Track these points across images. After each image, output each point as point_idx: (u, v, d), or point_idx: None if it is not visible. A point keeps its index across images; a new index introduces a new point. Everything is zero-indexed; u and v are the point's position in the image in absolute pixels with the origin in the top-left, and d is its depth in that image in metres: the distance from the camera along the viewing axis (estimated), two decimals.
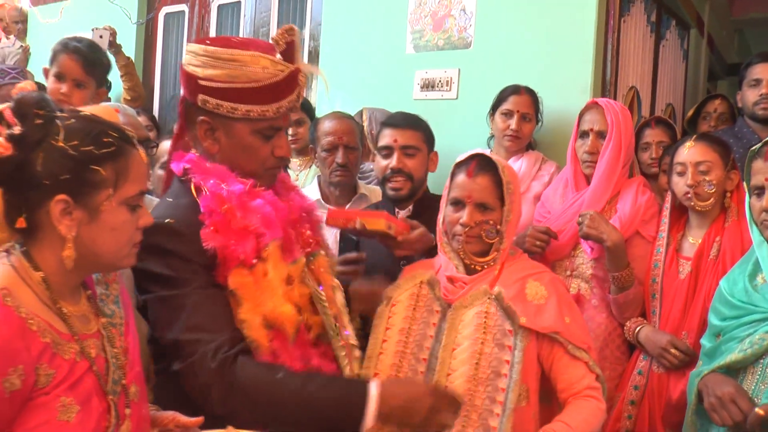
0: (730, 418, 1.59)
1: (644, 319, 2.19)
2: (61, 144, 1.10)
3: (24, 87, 1.12)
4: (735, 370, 1.68)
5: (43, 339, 1.09)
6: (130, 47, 5.04)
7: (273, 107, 1.45)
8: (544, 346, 1.69)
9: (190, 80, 1.45)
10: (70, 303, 1.17)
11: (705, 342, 1.86)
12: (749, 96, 2.80)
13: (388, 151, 2.19)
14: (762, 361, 1.62)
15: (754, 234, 1.74)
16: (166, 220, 1.41)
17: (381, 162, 2.22)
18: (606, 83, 2.89)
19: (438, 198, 1.91)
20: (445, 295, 1.72)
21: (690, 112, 3.47)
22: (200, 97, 1.45)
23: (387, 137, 2.21)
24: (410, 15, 3.36)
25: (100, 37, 4.25)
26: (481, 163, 1.75)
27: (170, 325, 1.39)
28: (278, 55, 1.46)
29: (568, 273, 2.28)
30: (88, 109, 1.22)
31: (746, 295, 1.71)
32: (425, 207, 2.16)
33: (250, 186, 1.46)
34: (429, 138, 2.27)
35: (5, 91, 3.19)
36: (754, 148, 1.72)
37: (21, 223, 1.12)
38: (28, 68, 4.63)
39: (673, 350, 2.02)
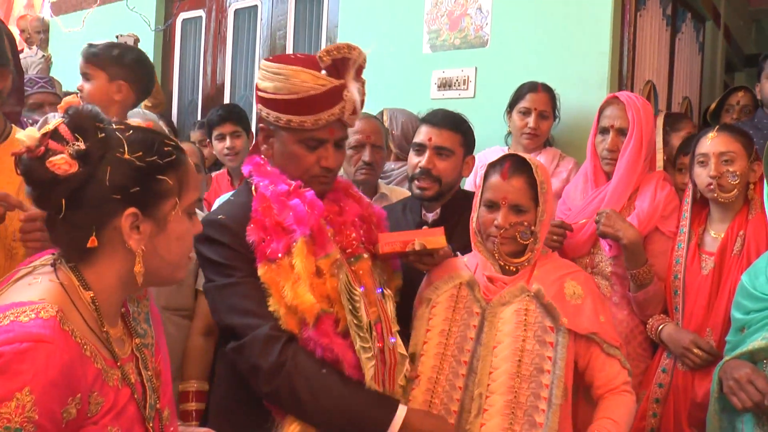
0: (749, 399, 1.60)
1: (666, 316, 2.16)
2: (127, 156, 1.07)
3: (71, 101, 1.07)
4: (758, 360, 1.69)
5: (96, 365, 1.05)
6: (148, 53, 5.10)
7: (311, 119, 1.55)
8: (581, 345, 1.71)
9: (256, 92, 1.65)
10: (111, 325, 1.13)
11: (730, 338, 1.85)
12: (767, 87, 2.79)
13: (420, 149, 2.09)
14: None
15: None
16: (219, 216, 1.58)
17: (412, 158, 2.11)
18: (623, 78, 2.90)
19: (468, 198, 1.93)
20: (486, 294, 1.74)
21: (713, 105, 3.42)
22: (258, 106, 1.64)
23: (422, 134, 2.10)
24: (426, 15, 3.39)
25: (124, 43, 4.34)
26: (515, 164, 1.75)
27: (224, 310, 1.54)
28: (324, 71, 1.55)
29: (589, 270, 2.25)
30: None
31: None
32: (453, 212, 2.09)
33: (294, 187, 1.57)
34: (467, 141, 2.14)
35: (33, 99, 3.28)
36: None
37: (93, 242, 1.07)
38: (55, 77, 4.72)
39: (696, 350, 2.01)
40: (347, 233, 1.64)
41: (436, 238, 1.72)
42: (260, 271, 1.49)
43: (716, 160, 2.03)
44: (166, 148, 1.12)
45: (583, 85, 2.86)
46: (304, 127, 1.56)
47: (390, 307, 1.67)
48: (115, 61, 2.47)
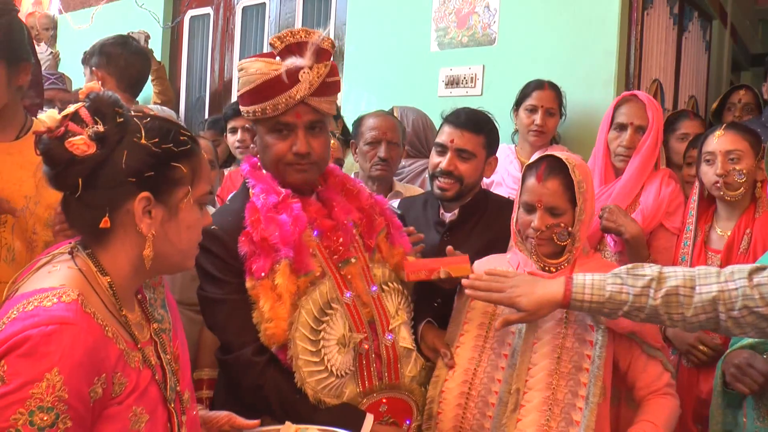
0: (753, 383, 1.61)
1: None
2: (144, 142, 1.10)
3: (93, 87, 1.11)
4: (760, 353, 1.70)
5: (119, 346, 1.07)
6: (156, 50, 5.14)
7: (270, 104, 1.57)
8: (621, 345, 1.69)
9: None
10: (129, 310, 1.15)
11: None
12: None
13: (442, 149, 2.05)
14: None
15: None
16: (212, 227, 1.50)
17: (434, 158, 2.08)
18: (629, 76, 2.92)
19: (488, 199, 1.96)
20: None
21: (715, 104, 3.45)
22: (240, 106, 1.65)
23: (445, 135, 2.05)
24: (434, 13, 3.41)
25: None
26: (550, 166, 1.72)
27: (212, 323, 1.63)
28: (278, 57, 1.57)
29: None
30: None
31: None
32: (472, 212, 2.07)
33: (283, 197, 1.60)
34: (490, 142, 2.10)
35: (44, 95, 3.31)
36: None
37: (106, 223, 1.10)
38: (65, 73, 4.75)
39: (701, 347, 2.02)
40: (334, 238, 1.65)
41: (461, 266, 1.72)
42: (248, 284, 1.56)
43: (723, 158, 2.04)
44: (181, 138, 1.14)
45: (590, 84, 2.88)
46: (267, 114, 1.58)
47: (391, 303, 1.70)
48: (92, 53, 2.50)
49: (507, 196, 2.68)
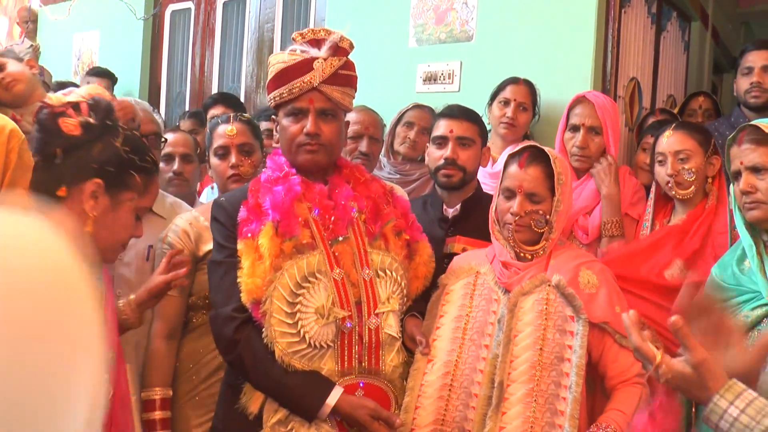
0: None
1: None
2: (117, 144, 1.39)
3: (100, 93, 1.45)
4: None
5: None
6: (136, 44, 5.11)
7: (286, 89, 1.72)
8: (594, 335, 1.71)
9: None
10: None
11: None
12: (742, 84, 2.80)
13: (442, 141, 2.16)
14: (748, 338, 1.64)
15: (738, 219, 1.76)
16: (221, 198, 1.82)
17: (434, 152, 2.17)
18: (606, 74, 2.91)
19: (489, 198, 2.00)
20: (500, 278, 1.77)
21: (675, 110, 3.45)
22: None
23: (443, 127, 2.17)
24: (413, 9, 3.40)
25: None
26: (533, 154, 1.79)
27: (210, 285, 1.78)
28: (299, 50, 1.73)
29: None
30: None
31: (734, 279, 1.74)
32: (472, 208, 2.13)
33: (285, 173, 1.75)
34: (483, 132, 2.24)
35: None
36: (731, 136, 1.74)
37: (63, 192, 1.34)
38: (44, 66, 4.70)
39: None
40: (328, 216, 1.73)
41: None
42: (239, 246, 1.68)
43: (672, 158, 2.10)
44: (148, 158, 1.44)
45: (566, 81, 2.88)
46: (283, 98, 1.73)
47: (383, 290, 1.73)
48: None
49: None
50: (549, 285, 1.71)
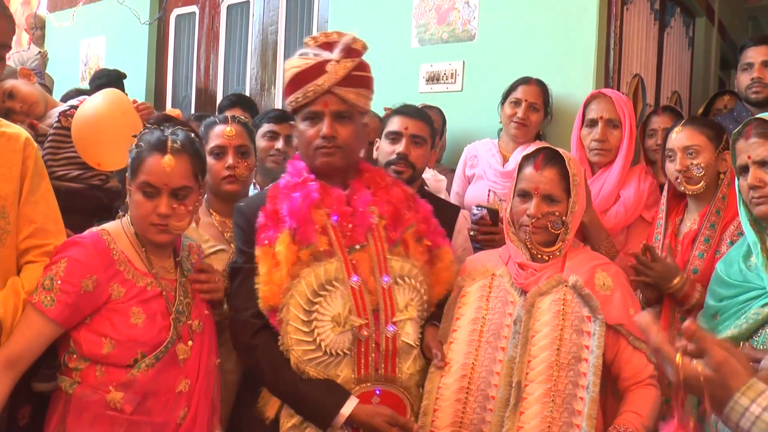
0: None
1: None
2: (141, 145, 1.67)
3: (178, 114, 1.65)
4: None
5: (119, 267, 1.61)
6: (142, 48, 5.14)
7: (300, 93, 1.73)
8: (608, 336, 1.71)
9: None
10: (156, 256, 1.68)
11: (702, 324, 1.85)
12: (742, 80, 2.78)
13: (396, 137, 2.21)
14: (757, 336, 1.63)
15: (743, 215, 1.74)
16: (242, 204, 1.85)
17: (387, 147, 2.22)
18: (609, 71, 2.90)
19: (429, 196, 2.04)
20: (516, 280, 1.77)
21: (700, 110, 3.42)
22: None
23: (397, 124, 2.22)
24: (415, 9, 3.40)
25: None
26: (548, 156, 1.79)
27: (230, 290, 1.81)
28: (311, 54, 1.74)
29: None
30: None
31: (741, 275, 1.72)
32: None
33: (303, 179, 1.75)
34: (434, 134, 2.30)
35: None
36: (736, 130, 1.73)
37: (129, 193, 1.68)
38: (47, 72, 4.74)
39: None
40: (345, 223, 1.73)
41: None
42: (256, 252, 1.70)
43: (681, 154, 2.07)
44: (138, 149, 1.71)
45: (569, 79, 2.87)
46: (299, 103, 1.75)
47: (402, 297, 1.73)
48: None
49: (488, 190, 2.70)
50: (566, 285, 1.71)
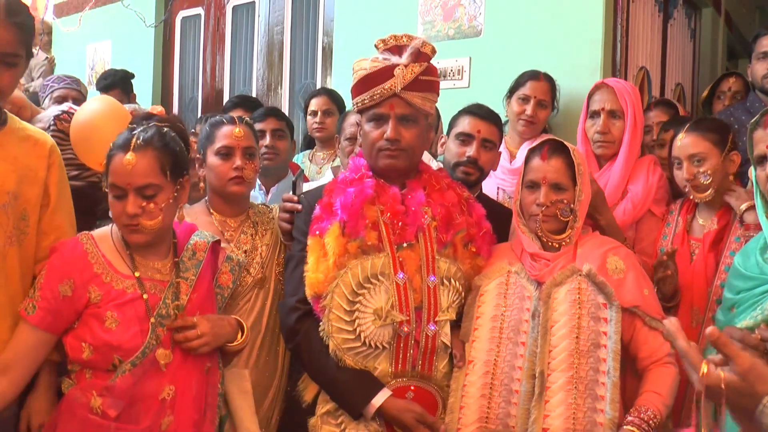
0: None
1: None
2: (111, 147, 1.65)
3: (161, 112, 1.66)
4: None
5: (96, 270, 1.59)
6: (147, 51, 5.16)
7: (368, 95, 1.78)
8: (624, 318, 1.75)
9: None
10: (144, 257, 1.65)
11: (720, 317, 1.86)
12: (758, 69, 2.76)
13: (466, 139, 2.16)
14: None
15: (759, 207, 1.73)
16: (301, 194, 1.95)
17: (456, 147, 2.17)
18: (616, 64, 2.90)
19: (486, 201, 2.06)
20: (530, 271, 1.81)
21: (705, 92, 3.42)
22: None
23: (469, 125, 2.16)
24: (420, 6, 3.41)
25: None
26: (553, 147, 1.85)
27: (285, 276, 1.90)
28: (380, 56, 1.77)
29: None
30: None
31: (758, 268, 1.72)
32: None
33: (360, 175, 1.82)
34: (502, 137, 2.29)
35: (58, 93, 3.36)
36: (754, 119, 1.72)
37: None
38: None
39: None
40: (397, 221, 1.78)
41: None
42: (309, 241, 1.78)
43: (687, 163, 2.06)
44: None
45: (576, 73, 2.87)
46: (365, 104, 1.79)
47: (446, 298, 1.78)
48: None
49: (497, 188, 2.70)
50: (580, 275, 1.76)
